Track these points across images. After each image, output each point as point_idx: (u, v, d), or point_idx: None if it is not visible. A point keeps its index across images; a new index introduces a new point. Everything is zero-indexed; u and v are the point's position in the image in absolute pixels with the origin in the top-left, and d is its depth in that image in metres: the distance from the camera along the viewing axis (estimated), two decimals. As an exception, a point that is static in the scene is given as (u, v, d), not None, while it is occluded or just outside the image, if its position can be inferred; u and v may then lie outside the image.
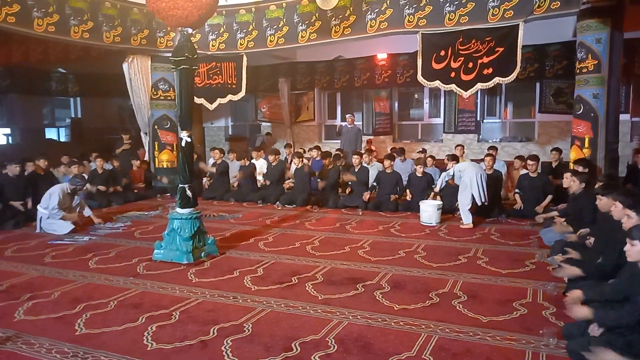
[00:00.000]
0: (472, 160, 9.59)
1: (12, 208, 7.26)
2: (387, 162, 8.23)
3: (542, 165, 7.74)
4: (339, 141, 11.44)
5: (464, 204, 6.80)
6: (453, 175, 7.08)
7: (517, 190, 7.53)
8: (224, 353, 3.19)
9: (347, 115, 11.62)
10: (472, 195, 6.72)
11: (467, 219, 6.81)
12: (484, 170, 7.27)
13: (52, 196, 6.72)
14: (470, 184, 6.72)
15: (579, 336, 3.07)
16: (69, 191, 6.90)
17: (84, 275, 4.90)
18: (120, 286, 4.55)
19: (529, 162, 7.41)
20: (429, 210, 7.01)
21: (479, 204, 6.82)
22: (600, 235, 4.30)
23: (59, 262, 5.38)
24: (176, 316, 3.81)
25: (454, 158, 7.46)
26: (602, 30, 6.69)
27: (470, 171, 6.79)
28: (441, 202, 7.16)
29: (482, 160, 8.26)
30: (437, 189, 7.47)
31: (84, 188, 7.43)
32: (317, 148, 10.09)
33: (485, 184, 6.81)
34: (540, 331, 3.35)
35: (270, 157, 9.31)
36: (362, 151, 9.70)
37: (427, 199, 7.52)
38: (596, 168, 6.81)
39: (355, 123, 11.42)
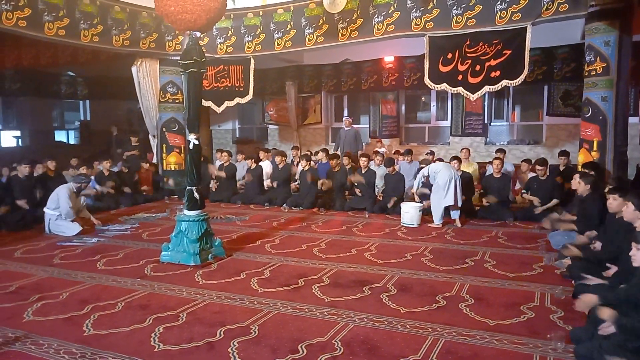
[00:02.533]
0: (478, 163, 9.61)
1: (21, 209, 7.33)
2: (390, 169, 8.23)
3: (550, 168, 7.72)
4: (337, 144, 11.43)
5: (435, 204, 6.94)
6: (428, 175, 7.14)
7: (524, 190, 7.52)
8: (230, 355, 3.20)
9: (345, 118, 11.62)
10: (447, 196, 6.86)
11: (437, 218, 6.96)
12: (458, 171, 7.39)
13: (61, 199, 6.75)
14: (444, 186, 6.83)
15: (587, 340, 3.05)
16: (75, 190, 6.97)
17: (92, 276, 4.93)
18: (128, 287, 4.58)
19: (538, 167, 7.37)
20: (411, 211, 7.12)
21: (452, 203, 6.92)
22: (609, 238, 4.27)
23: (68, 263, 5.43)
24: (183, 318, 3.83)
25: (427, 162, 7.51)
26: (610, 32, 6.65)
27: (444, 173, 6.88)
28: (422, 204, 7.25)
29: (490, 163, 8.25)
30: (414, 189, 7.45)
31: (89, 187, 7.50)
32: (325, 151, 10.10)
33: (460, 186, 6.93)
34: (548, 335, 3.33)
35: (277, 159, 9.33)
36: (362, 152, 9.80)
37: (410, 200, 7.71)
38: (604, 171, 6.76)
39: (352, 125, 11.43)
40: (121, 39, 8.54)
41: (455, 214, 7.02)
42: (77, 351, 3.27)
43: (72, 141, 16.21)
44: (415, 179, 7.45)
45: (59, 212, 6.76)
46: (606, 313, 2.86)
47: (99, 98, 14.86)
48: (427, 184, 7.27)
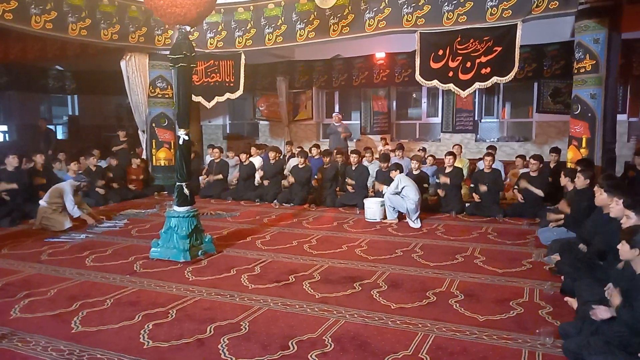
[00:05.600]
0: (469, 159, 9.65)
1: (8, 205, 7.23)
2: (384, 165, 8.23)
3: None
4: (327, 141, 11.42)
5: (393, 204, 7.11)
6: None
7: (516, 186, 7.56)
8: (220, 351, 3.19)
9: (334, 114, 11.61)
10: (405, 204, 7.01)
11: (392, 216, 7.15)
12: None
13: (66, 194, 6.72)
14: (405, 201, 6.95)
15: (576, 335, 3.09)
16: (75, 188, 6.93)
17: (80, 273, 4.89)
18: (117, 284, 4.54)
19: (532, 161, 7.41)
20: (373, 207, 7.28)
21: (403, 212, 7.09)
22: (597, 232, 4.31)
23: (56, 259, 5.37)
24: (173, 314, 3.81)
25: (398, 167, 7.47)
26: (600, 30, 6.69)
27: (411, 190, 6.97)
28: (383, 199, 7.33)
29: (481, 159, 8.29)
30: (386, 193, 7.34)
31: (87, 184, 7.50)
32: (317, 146, 10.09)
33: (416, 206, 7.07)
34: (537, 330, 3.35)
35: (271, 154, 9.29)
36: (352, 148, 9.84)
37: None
38: (597, 167, 6.81)
39: (342, 121, 11.42)
40: (110, 33, 8.44)
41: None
42: (65, 348, 3.24)
43: (60, 136, 16.02)
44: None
45: (55, 207, 6.69)
46: (605, 312, 2.89)
47: (88, 93, 14.68)
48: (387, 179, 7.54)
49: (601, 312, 2.93)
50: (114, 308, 3.95)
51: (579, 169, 5.87)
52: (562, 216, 5.74)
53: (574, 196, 5.70)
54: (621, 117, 9.61)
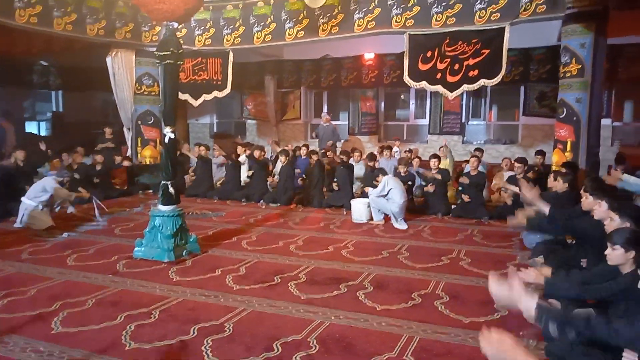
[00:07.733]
0: (456, 161, 9.69)
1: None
2: (371, 164, 8.24)
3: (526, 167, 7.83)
4: (317, 142, 11.44)
5: (377, 207, 7.11)
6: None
7: (503, 189, 7.58)
8: (204, 353, 3.15)
9: (323, 114, 11.62)
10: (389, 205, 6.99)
11: (378, 217, 7.14)
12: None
13: (47, 189, 6.59)
14: (390, 204, 6.94)
15: (558, 339, 3.09)
16: (57, 184, 6.82)
17: (62, 272, 4.80)
18: (99, 284, 4.47)
19: (516, 164, 7.46)
20: (360, 207, 7.29)
21: (388, 214, 7.08)
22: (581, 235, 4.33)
23: (37, 258, 5.27)
24: (156, 315, 3.75)
25: (382, 172, 7.46)
26: (586, 35, 6.78)
27: (397, 194, 6.93)
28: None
29: (467, 161, 8.32)
30: (372, 194, 7.27)
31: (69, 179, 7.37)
32: (306, 146, 10.07)
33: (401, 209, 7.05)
34: (520, 333, 3.36)
35: (256, 153, 9.24)
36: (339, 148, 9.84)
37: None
38: (581, 171, 6.88)
39: (331, 122, 11.43)
40: (96, 28, 8.33)
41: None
42: (45, 349, 3.17)
43: (43, 132, 15.78)
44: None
45: (37, 203, 6.56)
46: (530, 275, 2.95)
47: (73, 89, 14.46)
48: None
49: (528, 275, 2.99)
50: (96, 308, 3.89)
51: (556, 172, 5.91)
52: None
53: (552, 199, 5.71)
54: (605, 121, 9.74)
